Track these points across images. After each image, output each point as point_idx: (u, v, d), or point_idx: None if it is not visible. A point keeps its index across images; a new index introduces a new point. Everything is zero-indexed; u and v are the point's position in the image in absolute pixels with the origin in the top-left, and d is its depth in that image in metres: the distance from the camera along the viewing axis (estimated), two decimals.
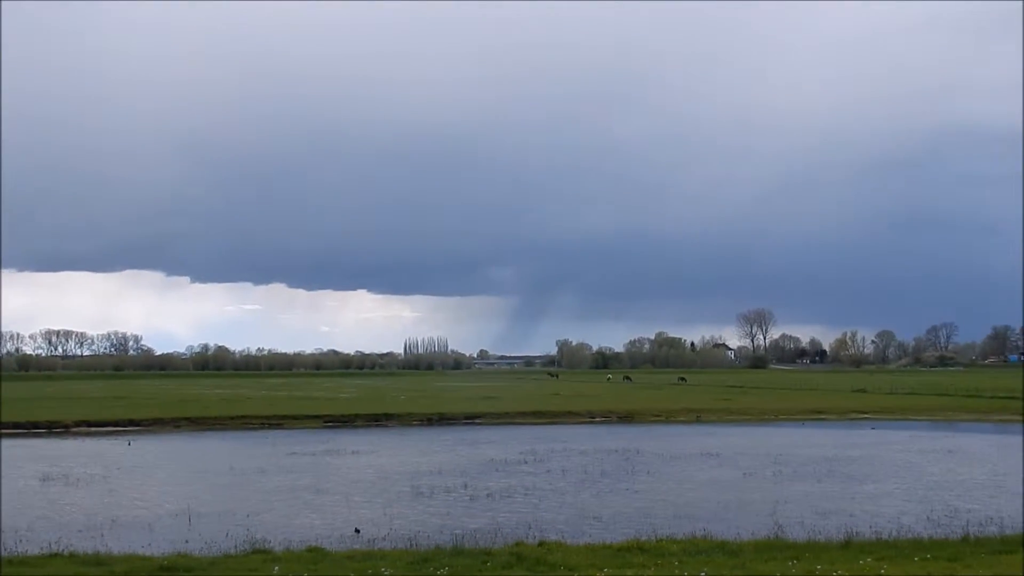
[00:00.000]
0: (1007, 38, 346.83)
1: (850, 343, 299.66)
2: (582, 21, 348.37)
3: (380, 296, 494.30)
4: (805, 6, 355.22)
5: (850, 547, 21.72)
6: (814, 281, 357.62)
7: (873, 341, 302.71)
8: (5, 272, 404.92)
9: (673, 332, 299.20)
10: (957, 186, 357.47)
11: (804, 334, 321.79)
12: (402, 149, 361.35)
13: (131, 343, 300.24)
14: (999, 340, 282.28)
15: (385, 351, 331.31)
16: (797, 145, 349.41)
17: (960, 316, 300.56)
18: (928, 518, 29.03)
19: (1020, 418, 77.21)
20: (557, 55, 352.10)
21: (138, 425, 66.37)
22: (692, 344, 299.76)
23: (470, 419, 73.23)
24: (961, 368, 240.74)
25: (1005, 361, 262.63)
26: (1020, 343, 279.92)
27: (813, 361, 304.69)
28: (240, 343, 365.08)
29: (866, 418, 76.97)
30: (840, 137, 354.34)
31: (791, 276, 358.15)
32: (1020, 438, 59.00)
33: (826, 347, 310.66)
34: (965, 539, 22.85)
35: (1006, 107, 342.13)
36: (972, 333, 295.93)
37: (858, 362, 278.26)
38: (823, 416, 78.43)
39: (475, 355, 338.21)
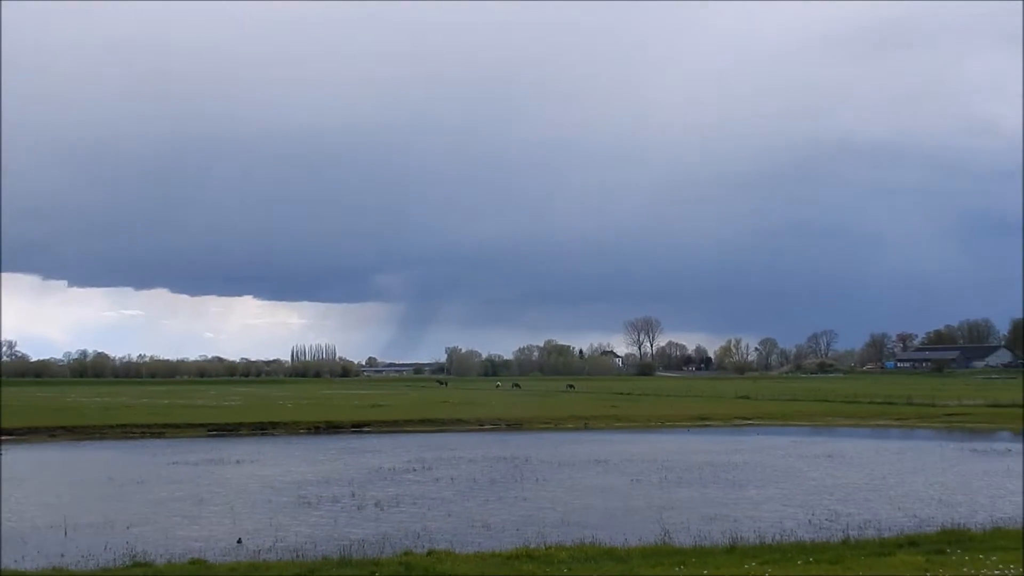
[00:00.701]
0: (880, 55, 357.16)
1: (734, 350, 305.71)
2: (470, 27, 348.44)
3: (267, 302, 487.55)
4: (692, 16, 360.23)
5: (735, 551, 21.98)
6: (700, 289, 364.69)
7: (756, 348, 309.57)
8: None
9: (562, 340, 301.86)
10: (836, 197, 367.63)
11: (690, 342, 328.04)
12: (289, 152, 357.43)
13: (4, 349, 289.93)
14: (876, 347, 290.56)
15: (272, 358, 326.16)
16: (684, 154, 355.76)
17: (839, 324, 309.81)
18: (810, 522, 29.59)
19: (897, 423, 79.59)
20: (446, 61, 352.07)
21: (11, 435, 63.93)
22: (581, 351, 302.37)
23: (357, 427, 72.54)
24: (840, 374, 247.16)
25: (882, 368, 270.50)
26: (897, 350, 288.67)
27: (699, 368, 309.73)
28: (120, 349, 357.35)
29: (750, 424, 78.44)
30: (725, 147, 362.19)
31: (678, 284, 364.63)
32: (898, 443, 60.84)
33: (711, 354, 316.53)
34: (845, 542, 23.32)
35: (882, 121, 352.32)
36: (851, 341, 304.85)
37: (742, 369, 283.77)
38: (708, 423, 79.66)
39: (363, 362, 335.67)
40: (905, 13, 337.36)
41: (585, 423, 77.32)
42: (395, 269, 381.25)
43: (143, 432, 67.01)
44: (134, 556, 22.91)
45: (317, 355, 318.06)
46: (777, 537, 24.94)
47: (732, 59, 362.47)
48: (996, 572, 17.17)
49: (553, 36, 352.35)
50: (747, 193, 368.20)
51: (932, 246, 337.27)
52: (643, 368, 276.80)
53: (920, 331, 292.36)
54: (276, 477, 42.25)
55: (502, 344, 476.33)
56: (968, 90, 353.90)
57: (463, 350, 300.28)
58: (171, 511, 33.00)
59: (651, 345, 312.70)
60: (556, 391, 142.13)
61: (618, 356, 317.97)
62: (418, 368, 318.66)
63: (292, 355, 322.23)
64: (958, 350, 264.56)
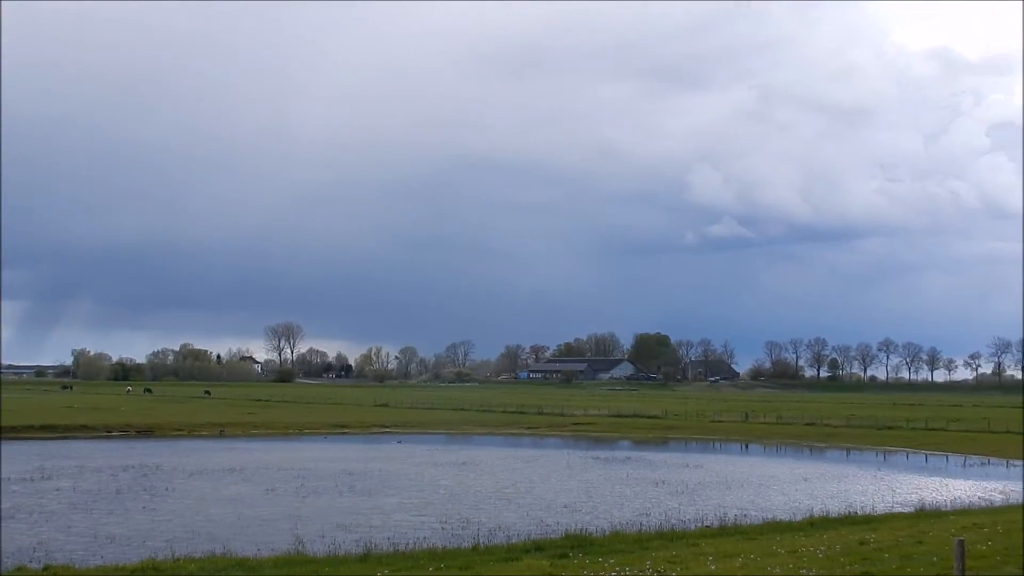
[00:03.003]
0: (517, 76, 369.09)
1: (375, 358, 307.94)
2: (109, 22, 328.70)
3: None
4: (344, 16, 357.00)
5: (369, 559, 22.03)
6: (342, 296, 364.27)
7: (397, 357, 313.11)
8: None
9: (199, 344, 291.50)
10: (474, 211, 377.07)
11: (331, 349, 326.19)
12: None
13: None
14: (511, 358, 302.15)
15: None
16: (327, 159, 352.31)
17: (477, 335, 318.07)
18: (442, 528, 30.25)
19: (528, 432, 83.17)
20: (76, 57, 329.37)
21: None
22: (218, 356, 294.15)
23: None
24: (477, 384, 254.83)
25: (516, 378, 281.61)
26: (530, 361, 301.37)
27: (339, 375, 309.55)
28: None
29: (388, 432, 79.34)
30: (370, 154, 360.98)
31: (319, 291, 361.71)
32: (529, 451, 63.50)
33: (352, 362, 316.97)
34: (475, 548, 23.95)
35: (518, 140, 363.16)
36: (487, 351, 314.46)
37: (382, 377, 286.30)
38: (347, 430, 79.86)
39: None
40: (541, 37, 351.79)
41: (221, 430, 75.37)
42: (17, 264, 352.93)
43: None
44: None
45: None
46: (410, 544, 25.24)
47: (379, 63, 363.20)
48: (613, 574, 18.18)
49: (190, 35, 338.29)
50: (390, 201, 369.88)
51: (563, 263, 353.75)
52: (283, 374, 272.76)
53: (552, 343, 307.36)
54: None
55: (135, 347, 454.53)
56: (598, 116, 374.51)
57: (91, 352, 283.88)
58: None
59: (291, 351, 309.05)
60: (192, 397, 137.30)
61: (257, 362, 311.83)
62: (40, 371, 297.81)
63: None
64: (586, 362, 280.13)
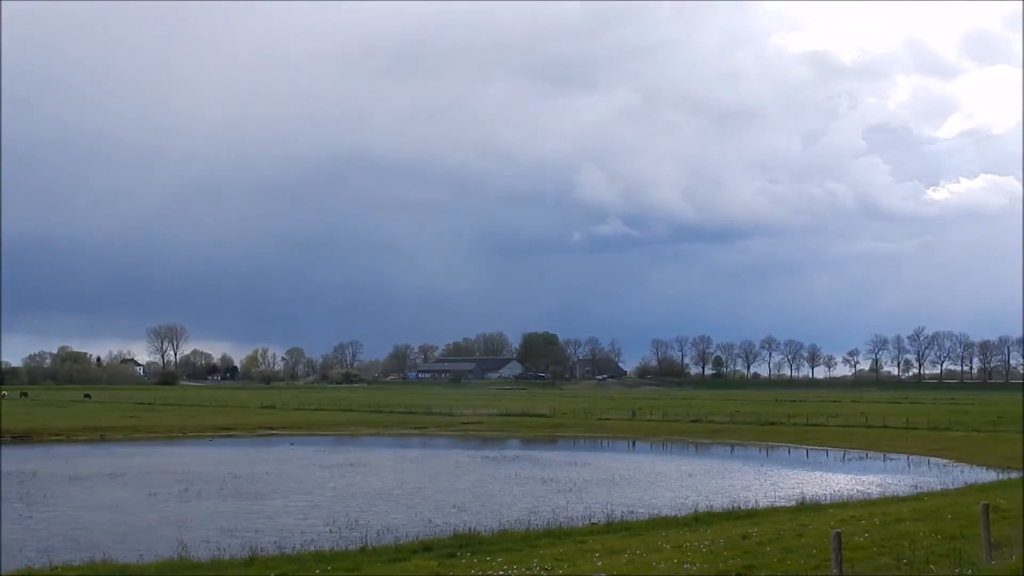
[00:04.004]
0: (403, 74, 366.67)
1: (261, 360, 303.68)
2: None
3: None
4: (237, 13, 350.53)
5: (255, 563, 21.73)
6: (227, 297, 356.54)
7: (283, 358, 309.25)
8: None
9: (78, 346, 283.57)
10: (361, 210, 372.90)
11: (216, 350, 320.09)
12: None
13: None
14: (400, 358, 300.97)
15: None
16: (211, 155, 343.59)
17: (365, 335, 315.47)
18: (330, 531, 29.96)
19: (417, 432, 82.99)
20: None
21: None
22: (99, 359, 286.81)
23: None
24: (365, 384, 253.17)
25: (404, 378, 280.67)
26: (419, 361, 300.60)
27: (224, 378, 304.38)
28: None
29: (275, 434, 78.36)
30: (254, 151, 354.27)
31: (204, 291, 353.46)
32: (418, 451, 63.32)
33: (238, 363, 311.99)
34: (363, 549, 23.80)
35: (404, 138, 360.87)
36: (376, 351, 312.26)
37: (268, 379, 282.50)
38: (233, 433, 78.62)
39: None
40: (428, 35, 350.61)
41: (101, 435, 73.54)
42: None
43: None
44: None
45: None
46: (297, 547, 24.98)
47: (265, 59, 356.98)
48: (501, 572, 18.24)
49: (70, 27, 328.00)
50: (276, 199, 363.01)
51: (452, 262, 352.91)
52: (166, 377, 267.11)
53: (440, 343, 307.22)
54: None
55: (8, 350, 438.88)
56: (485, 115, 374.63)
57: None
58: None
59: (175, 353, 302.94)
60: (71, 401, 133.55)
61: (139, 364, 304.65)
62: None
63: None
64: (475, 362, 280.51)
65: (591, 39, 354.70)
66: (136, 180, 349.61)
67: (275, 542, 26.27)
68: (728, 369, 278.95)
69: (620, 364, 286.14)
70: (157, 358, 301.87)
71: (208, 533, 29.38)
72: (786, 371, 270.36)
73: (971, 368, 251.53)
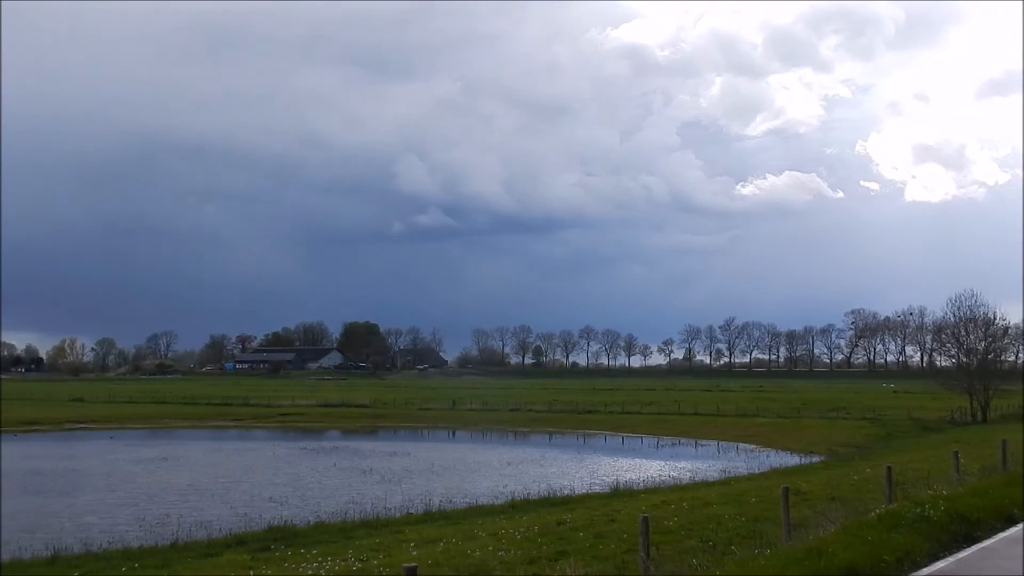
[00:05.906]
0: (214, 57, 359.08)
1: (69, 351, 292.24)
2: None
3: None
4: None
5: (57, 562, 20.99)
6: (30, 284, 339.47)
7: (93, 349, 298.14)
8: None
9: None
10: (172, 196, 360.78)
11: (20, 341, 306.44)
12: None
13: None
14: (216, 349, 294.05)
15: None
16: (10, 133, 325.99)
17: (180, 325, 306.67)
18: (140, 527, 29.09)
19: (234, 424, 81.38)
20: None
21: None
22: None
23: None
24: (180, 376, 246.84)
25: (221, 369, 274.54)
26: (236, 351, 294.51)
27: (29, 370, 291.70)
28: None
29: (83, 428, 75.63)
30: (58, 133, 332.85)
31: (5, 277, 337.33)
32: (234, 444, 61.99)
33: (43, 355, 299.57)
34: (174, 545, 23.22)
35: (217, 123, 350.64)
36: (192, 341, 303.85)
37: (77, 371, 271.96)
38: (38, 427, 75.43)
39: None
40: (242, 19, 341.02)
41: None
42: None
43: None
44: None
45: None
46: (104, 544, 24.15)
47: (69, 36, 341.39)
48: (315, 564, 18.06)
49: None
50: (83, 183, 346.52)
51: (269, 250, 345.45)
52: None
53: (259, 333, 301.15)
54: None
55: None
56: (301, 102, 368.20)
57: None
58: None
59: None
60: None
61: None
62: None
63: None
64: (294, 352, 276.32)
65: (411, 29, 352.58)
66: None
67: (81, 540, 25.31)
68: (548, 359, 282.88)
69: (441, 354, 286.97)
70: None
71: (8, 533, 28.06)
72: (604, 360, 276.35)
73: (778, 357, 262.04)
